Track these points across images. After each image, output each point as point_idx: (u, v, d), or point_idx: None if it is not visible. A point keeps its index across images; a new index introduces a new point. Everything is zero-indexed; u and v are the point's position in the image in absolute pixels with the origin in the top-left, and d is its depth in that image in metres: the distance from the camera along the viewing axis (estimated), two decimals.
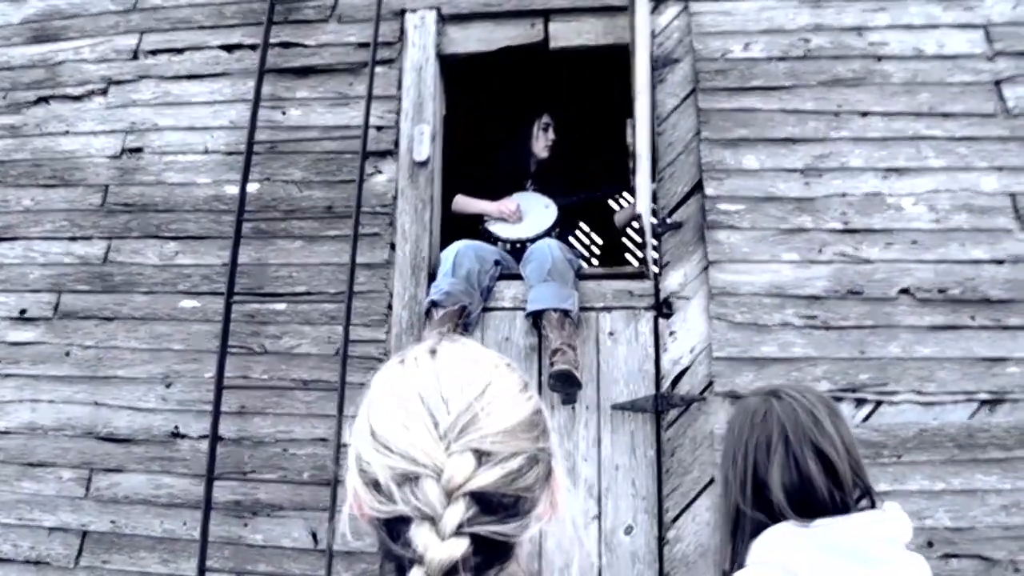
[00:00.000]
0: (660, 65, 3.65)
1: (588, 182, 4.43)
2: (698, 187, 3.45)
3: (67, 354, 3.67)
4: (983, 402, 3.06)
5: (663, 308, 3.35)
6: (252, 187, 3.70)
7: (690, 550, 3.06)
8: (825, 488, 1.37)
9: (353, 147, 3.63)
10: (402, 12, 3.90)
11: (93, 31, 4.17)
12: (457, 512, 0.74)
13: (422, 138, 3.70)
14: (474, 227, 4.01)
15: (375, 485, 0.79)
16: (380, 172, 3.70)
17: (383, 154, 3.72)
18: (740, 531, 1.43)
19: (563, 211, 4.05)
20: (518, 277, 3.52)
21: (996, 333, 3.12)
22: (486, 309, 3.50)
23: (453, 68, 4.02)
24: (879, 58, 3.51)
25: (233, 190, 3.71)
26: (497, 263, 3.58)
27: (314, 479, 3.31)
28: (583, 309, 3.39)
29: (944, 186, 3.32)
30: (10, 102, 4.13)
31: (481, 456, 0.77)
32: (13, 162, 4.03)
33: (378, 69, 3.74)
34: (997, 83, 3.42)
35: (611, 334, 3.38)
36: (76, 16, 4.22)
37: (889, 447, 3.04)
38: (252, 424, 3.44)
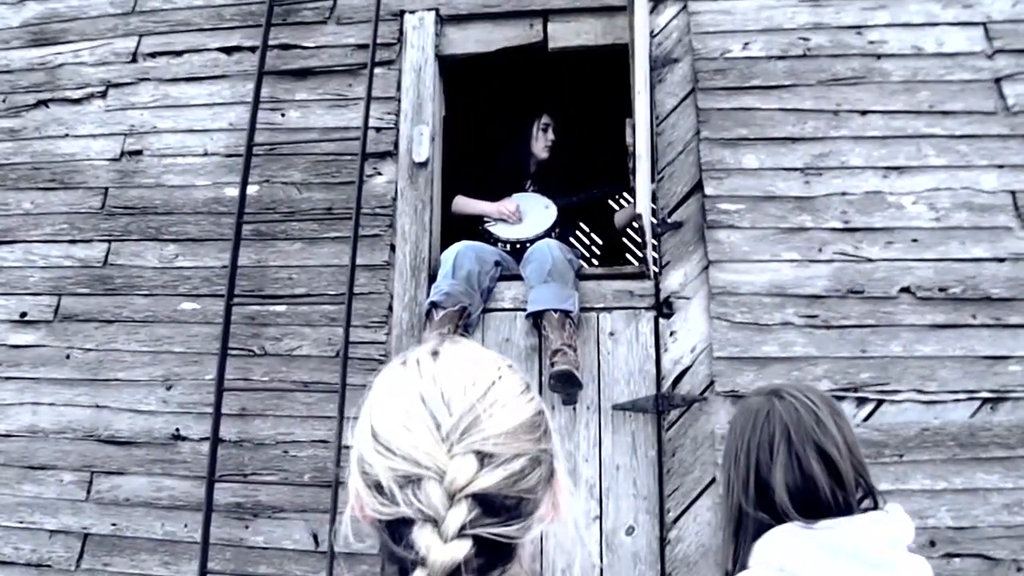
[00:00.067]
0: (659, 65, 3.65)
1: (588, 182, 4.43)
2: (698, 187, 3.45)
3: (67, 357, 3.67)
4: (985, 401, 3.06)
5: (663, 308, 3.35)
6: (252, 189, 3.70)
7: (692, 550, 3.06)
8: (828, 488, 1.36)
9: (352, 148, 3.63)
10: (401, 13, 3.90)
11: (92, 34, 4.17)
12: (460, 514, 0.74)
13: (421, 139, 3.70)
14: (474, 228, 4.01)
15: (377, 487, 0.79)
16: (380, 173, 3.70)
17: (382, 155, 3.72)
18: (742, 531, 1.43)
19: (563, 211, 4.05)
20: (518, 278, 3.52)
21: (997, 331, 3.12)
22: (486, 310, 3.49)
23: (452, 69, 4.02)
24: (878, 56, 3.51)
25: (233, 192, 3.71)
26: (497, 264, 3.58)
27: (315, 481, 3.31)
28: (583, 309, 3.39)
29: (944, 184, 3.31)
30: (9, 105, 4.13)
31: (483, 458, 0.77)
32: (12, 165, 4.03)
33: (377, 70, 3.74)
34: (997, 81, 3.41)
35: (611, 334, 3.38)
36: (75, 19, 4.22)
37: (890, 446, 3.04)
38: (253, 426, 3.44)
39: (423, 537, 0.74)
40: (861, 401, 3.11)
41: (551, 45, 3.82)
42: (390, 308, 3.52)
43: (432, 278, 3.50)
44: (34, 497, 3.50)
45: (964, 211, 3.27)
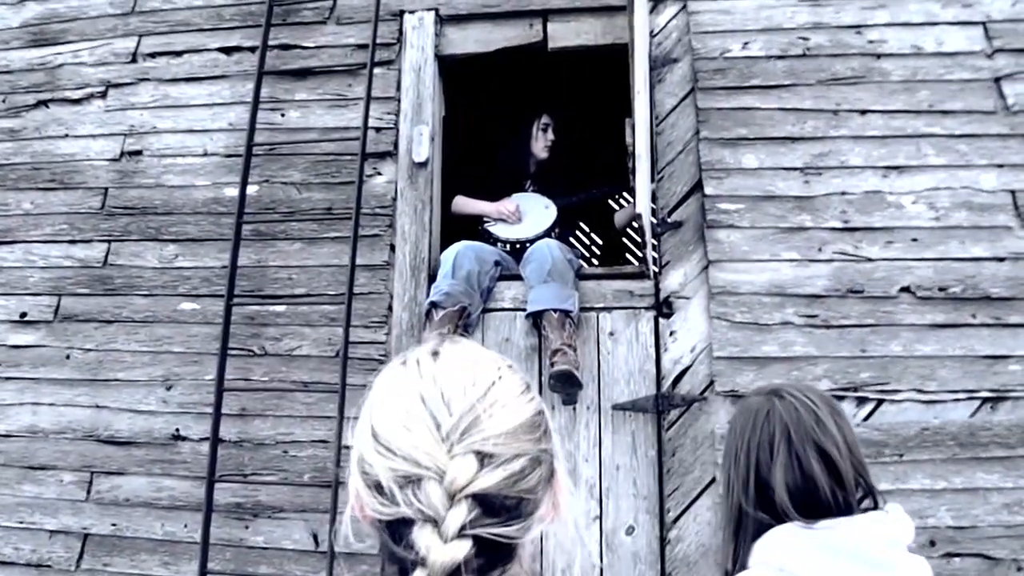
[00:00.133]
0: (659, 65, 3.65)
1: (588, 182, 4.42)
2: (698, 186, 3.45)
3: (67, 357, 3.67)
4: (985, 400, 3.06)
5: (663, 308, 3.35)
6: (251, 189, 3.70)
7: (692, 550, 3.06)
8: (828, 488, 1.36)
9: (352, 148, 3.63)
10: (400, 13, 3.90)
11: (92, 34, 4.17)
12: (459, 514, 0.74)
13: (421, 139, 3.70)
14: (474, 228, 4.01)
15: (377, 487, 0.79)
16: (379, 173, 3.70)
17: (382, 155, 3.72)
18: (742, 531, 1.43)
19: (563, 211, 4.05)
20: (518, 278, 3.52)
21: (997, 331, 3.12)
22: (486, 310, 3.49)
23: (452, 69, 4.02)
24: (878, 56, 3.51)
25: (232, 192, 3.71)
26: (497, 264, 3.58)
27: (315, 481, 3.31)
28: (583, 309, 3.39)
29: (944, 184, 3.31)
30: (9, 106, 4.13)
31: (483, 458, 0.77)
32: (12, 165, 4.03)
33: (377, 70, 3.74)
34: (996, 80, 3.41)
35: (611, 334, 3.38)
36: (75, 19, 4.22)
37: (890, 446, 3.04)
38: (253, 426, 3.44)
39: (423, 537, 0.74)
40: (861, 401, 3.11)
41: (551, 45, 3.82)
42: (390, 308, 3.52)
43: (432, 278, 3.50)
44: (34, 497, 3.50)
45: (964, 210, 3.27)
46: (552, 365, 3.16)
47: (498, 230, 3.93)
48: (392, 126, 3.75)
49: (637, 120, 3.18)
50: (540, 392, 3.12)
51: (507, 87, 5.64)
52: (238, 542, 3.31)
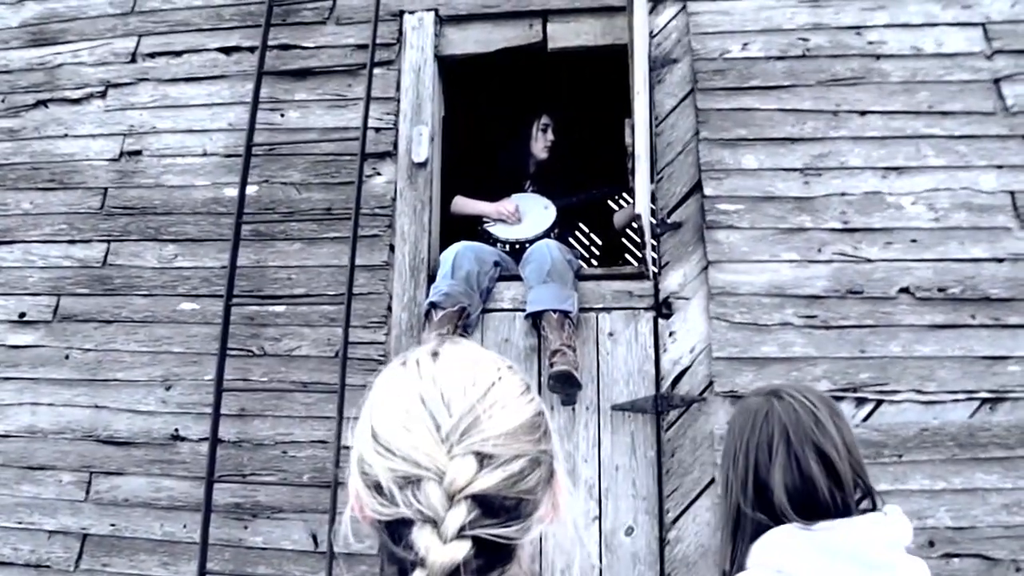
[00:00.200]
0: (658, 65, 3.65)
1: (587, 183, 4.43)
2: (697, 187, 3.45)
3: (67, 357, 3.66)
4: (984, 401, 3.06)
5: (663, 308, 3.35)
6: (251, 189, 3.70)
7: (691, 551, 3.06)
8: (826, 489, 1.36)
9: (352, 149, 3.63)
10: (400, 14, 3.90)
11: (91, 34, 4.17)
12: (459, 515, 0.74)
13: (421, 139, 3.70)
14: (473, 228, 4.01)
15: (377, 487, 0.79)
16: (379, 174, 3.70)
17: (382, 155, 3.72)
18: (740, 532, 1.43)
19: (562, 212, 4.05)
20: (517, 278, 3.52)
21: (996, 332, 3.12)
22: (485, 310, 3.49)
23: (452, 69, 4.02)
24: (878, 57, 3.51)
25: (232, 192, 3.71)
26: (496, 264, 3.58)
27: (314, 481, 3.31)
28: (583, 310, 3.39)
29: (943, 185, 3.32)
30: (8, 105, 4.13)
31: (483, 459, 0.77)
32: (12, 165, 4.03)
33: (376, 71, 3.74)
34: (996, 81, 3.42)
35: (611, 335, 3.38)
36: (74, 19, 4.22)
37: (890, 446, 3.04)
38: (252, 426, 3.43)
39: (422, 538, 0.74)
40: (860, 401, 3.11)
41: (550, 45, 3.82)
42: (389, 308, 3.52)
43: (431, 278, 3.51)
44: (33, 497, 3.50)
45: (963, 211, 3.28)
46: (551, 366, 3.16)
47: (497, 230, 3.93)
48: (392, 126, 3.75)
49: (637, 121, 3.18)
50: (539, 393, 3.12)
51: (507, 87, 5.64)
52: (237, 542, 3.31)
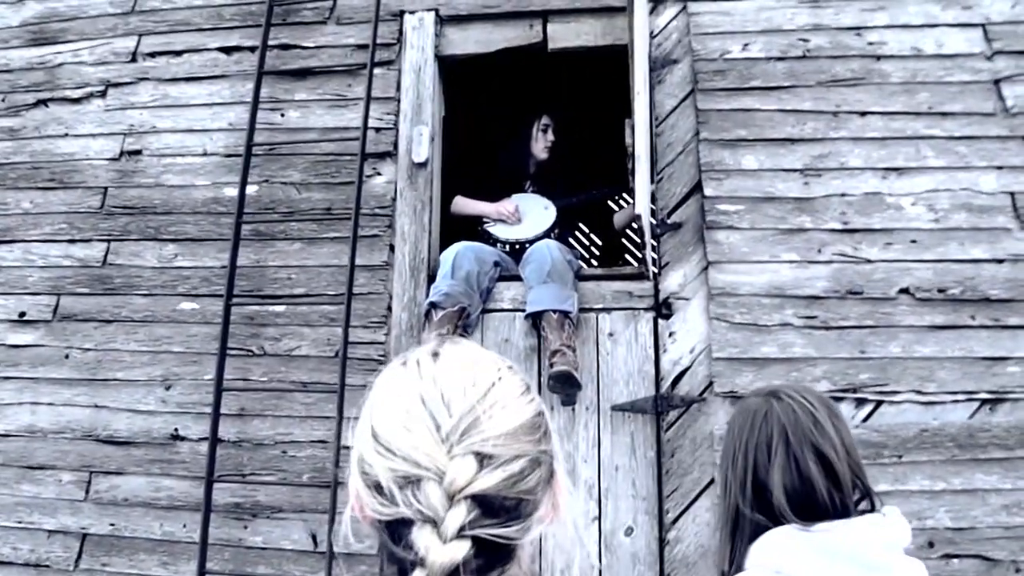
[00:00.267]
0: (659, 66, 3.65)
1: (587, 183, 4.43)
2: (697, 187, 3.45)
3: (66, 357, 3.66)
4: (984, 402, 3.06)
5: (663, 309, 3.35)
6: (251, 189, 3.70)
7: (690, 551, 3.06)
8: (825, 490, 1.36)
9: (352, 149, 3.63)
10: (400, 13, 3.90)
11: (92, 33, 4.17)
12: (459, 515, 0.74)
13: (421, 139, 3.70)
14: (473, 228, 4.01)
15: (377, 487, 0.79)
16: (379, 174, 3.70)
17: (382, 155, 3.72)
18: (739, 532, 1.43)
19: (562, 212, 4.05)
20: (517, 278, 3.52)
21: (996, 332, 3.12)
22: (485, 310, 3.50)
23: (452, 69, 4.02)
24: (878, 58, 3.51)
25: (232, 192, 3.71)
26: (496, 264, 3.58)
27: (314, 481, 3.31)
28: (583, 310, 3.39)
29: (943, 185, 3.32)
30: (9, 105, 4.13)
31: (483, 459, 0.77)
32: (12, 165, 4.03)
33: (377, 71, 3.74)
34: (996, 82, 3.42)
35: (611, 335, 3.38)
36: (75, 18, 4.22)
37: (889, 447, 3.04)
38: (252, 426, 3.43)
39: (422, 538, 0.74)
40: (860, 402, 3.11)
41: (551, 46, 3.82)
42: (389, 308, 3.52)
43: (431, 278, 3.51)
44: (32, 497, 3.50)
45: (963, 212, 3.28)
46: (551, 366, 3.16)
47: (497, 231, 3.93)
48: (392, 126, 3.76)
49: (637, 121, 3.18)
50: (539, 393, 3.11)
51: (507, 88, 5.64)
52: (237, 542, 3.31)
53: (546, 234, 3.86)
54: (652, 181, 3.47)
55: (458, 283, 3.34)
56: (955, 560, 2.92)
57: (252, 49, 3.92)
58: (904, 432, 3.05)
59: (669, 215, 3.46)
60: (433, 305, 3.32)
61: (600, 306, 3.42)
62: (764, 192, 3.39)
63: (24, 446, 3.57)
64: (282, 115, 3.86)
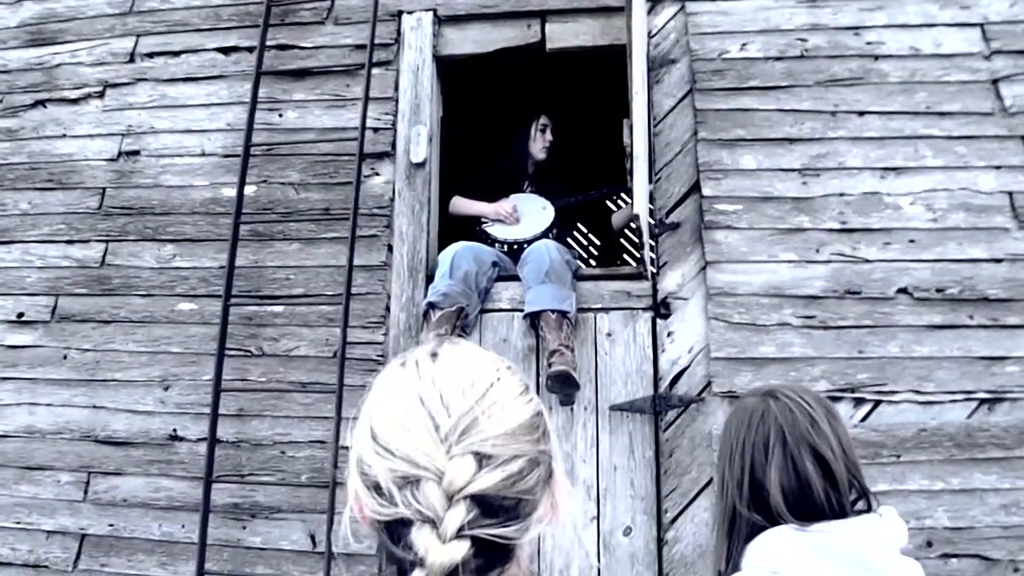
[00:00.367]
0: (657, 65, 3.65)
1: (586, 183, 4.43)
2: (695, 187, 3.45)
3: (65, 357, 3.66)
4: (982, 401, 3.06)
5: (661, 309, 3.35)
6: (249, 189, 3.70)
7: (689, 551, 3.06)
8: (822, 490, 1.36)
9: (350, 149, 3.63)
10: (399, 14, 3.90)
11: (90, 34, 4.17)
12: (458, 515, 0.74)
13: (419, 140, 3.70)
14: (471, 229, 4.01)
15: (376, 487, 0.79)
16: (377, 174, 3.70)
17: (380, 156, 3.72)
18: (736, 532, 1.43)
19: (560, 212, 4.06)
20: (516, 278, 3.52)
21: (994, 332, 3.13)
22: (484, 310, 3.50)
23: (450, 69, 4.02)
24: (876, 57, 3.51)
25: (230, 192, 3.71)
26: (495, 264, 3.58)
27: (312, 481, 3.31)
28: (581, 310, 3.39)
29: (942, 185, 3.32)
30: (7, 105, 4.13)
31: (482, 459, 0.77)
32: (10, 165, 4.02)
33: (375, 71, 3.74)
34: (994, 82, 3.42)
35: (609, 335, 3.38)
36: (73, 19, 4.22)
37: (888, 447, 3.04)
38: (250, 426, 3.43)
39: (421, 538, 0.74)
40: (858, 402, 3.11)
41: (549, 46, 3.82)
42: (387, 309, 3.52)
43: (429, 279, 3.51)
44: (31, 498, 3.49)
45: (961, 212, 3.28)
46: (550, 366, 3.16)
47: (496, 231, 3.93)
48: (390, 126, 3.75)
49: (635, 121, 3.18)
50: (538, 393, 3.11)
51: (505, 88, 5.64)
52: (235, 542, 3.31)
53: (544, 234, 3.86)
54: (650, 181, 3.47)
55: (456, 283, 3.34)
56: (953, 560, 2.92)
57: (250, 49, 3.92)
58: (902, 432, 3.06)
59: (667, 215, 3.46)
60: (431, 305, 3.32)
61: (598, 306, 3.42)
62: (762, 192, 3.39)
63: (23, 447, 3.57)
64: (280, 115, 3.86)
